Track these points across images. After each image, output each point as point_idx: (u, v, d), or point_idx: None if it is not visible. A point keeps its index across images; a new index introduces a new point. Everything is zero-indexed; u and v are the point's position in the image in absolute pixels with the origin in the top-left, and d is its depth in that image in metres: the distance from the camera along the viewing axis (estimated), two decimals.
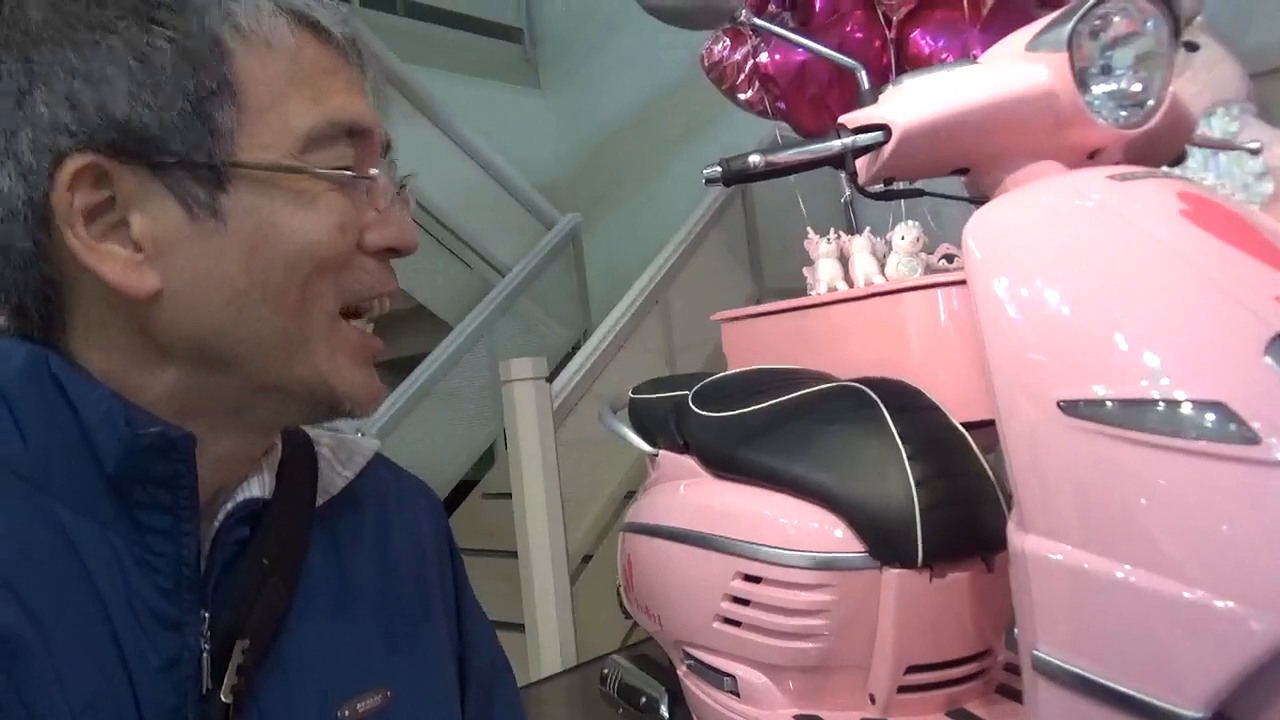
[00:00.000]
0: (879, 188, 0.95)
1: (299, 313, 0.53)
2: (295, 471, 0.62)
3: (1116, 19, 0.87)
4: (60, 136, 0.49)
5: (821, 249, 2.23)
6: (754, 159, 0.90)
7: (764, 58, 2.24)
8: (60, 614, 0.48)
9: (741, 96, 2.45)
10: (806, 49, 1.00)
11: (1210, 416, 0.66)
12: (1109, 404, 0.70)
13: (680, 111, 4.50)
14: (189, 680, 0.51)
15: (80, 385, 0.51)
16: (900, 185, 0.96)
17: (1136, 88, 0.88)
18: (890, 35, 2.14)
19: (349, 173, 0.54)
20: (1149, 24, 0.88)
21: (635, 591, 1.56)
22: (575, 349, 3.62)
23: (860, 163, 0.92)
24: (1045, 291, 0.78)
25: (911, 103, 0.88)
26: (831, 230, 2.27)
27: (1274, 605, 0.63)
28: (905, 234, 2.11)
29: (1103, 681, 0.69)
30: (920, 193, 1.00)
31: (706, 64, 2.49)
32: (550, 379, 2.97)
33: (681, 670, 1.41)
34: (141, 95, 0.49)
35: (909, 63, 2.23)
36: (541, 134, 5.57)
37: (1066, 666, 0.72)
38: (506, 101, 5.45)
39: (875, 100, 0.95)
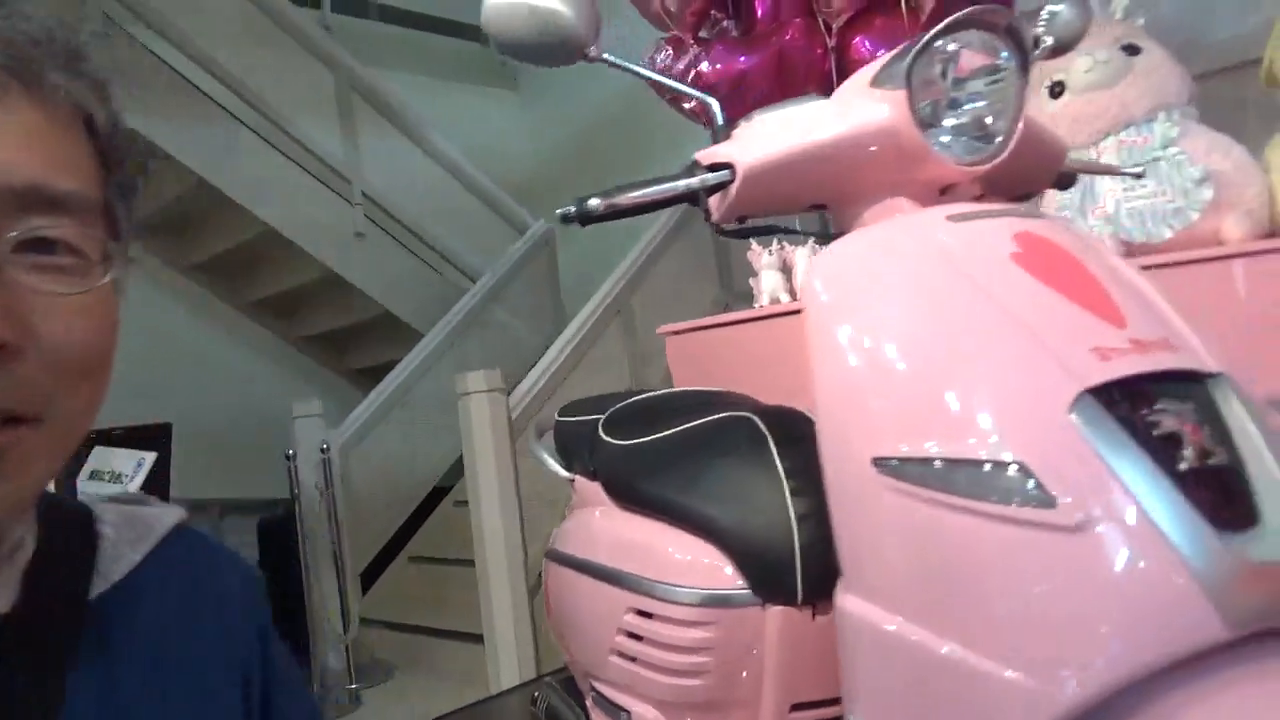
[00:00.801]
0: (733, 225, 0.92)
1: None
2: (53, 570, 0.53)
3: (964, 52, 0.84)
4: None
5: (764, 260, 2.21)
6: (593, 202, 0.88)
7: (705, 67, 2.21)
8: None
9: (686, 106, 2.42)
10: (652, 81, 0.98)
11: (1012, 478, 0.64)
12: (916, 462, 0.68)
13: (658, 115, 4.45)
14: None
15: None
16: (754, 222, 0.93)
17: (988, 120, 0.86)
18: (830, 43, 2.12)
19: None
20: (1002, 55, 0.85)
21: (553, 619, 1.54)
22: None
23: (713, 201, 0.90)
24: (866, 341, 0.76)
25: (754, 142, 0.86)
26: (774, 240, 2.25)
27: (1063, 675, 0.60)
28: None
29: None
30: (774, 230, 0.98)
31: None
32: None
33: (588, 702, 1.40)
34: None
35: (851, 69, 2.20)
36: (517, 136, 5.56)
37: None
38: (482, 104, 5.44)
39: (729, 135, 0.92)
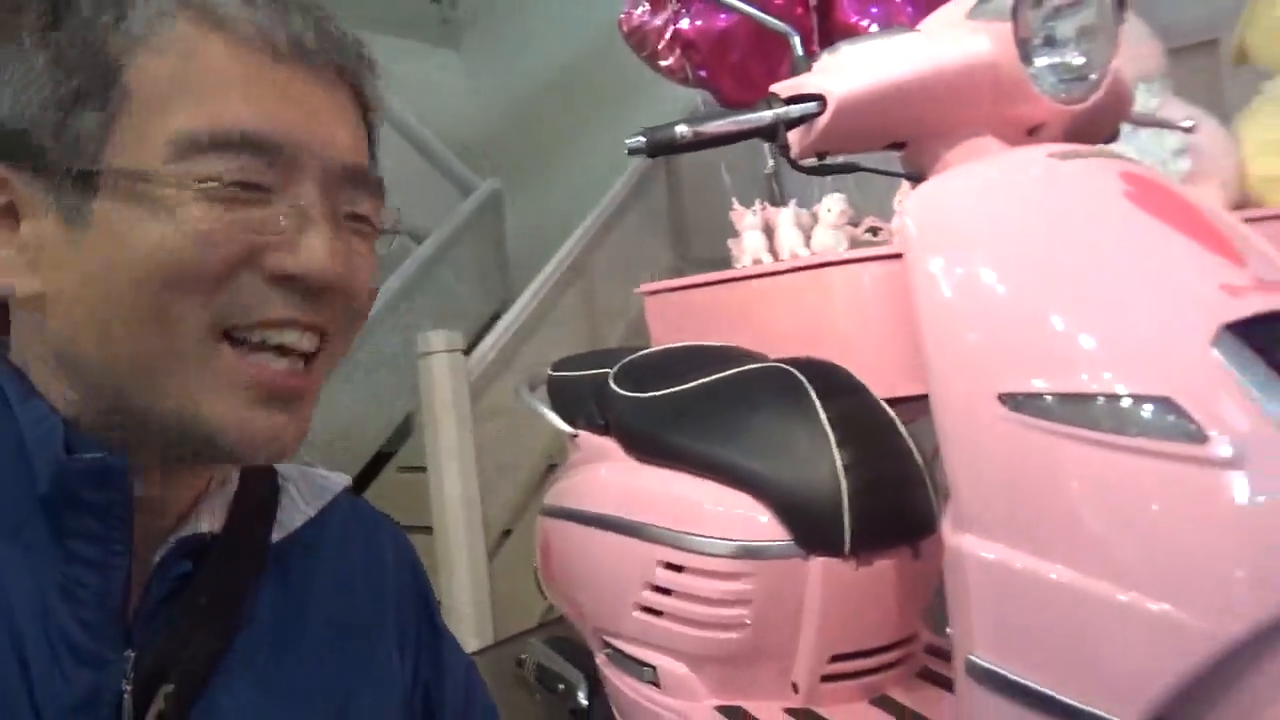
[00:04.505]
0: (812, 161, 0.89)
1: (156, 333, 0.48)
2: (251, 505, 0.59)
3: None
4: None
5: (746, 221, 2.18)
6: (680, 129, 0.84)
7: (685, 23, 2.16)
8: None
9: (662, 63, 2.38)
10: (735, 9, 0.94)
11: (1155, 412, 0.63)
12: (1049, 398, 0.67)
13: (606, 75, 4.38)
14: None
15: (21, 398, 0.50)
16: (832, 159, 0.90)
17: (1079, 61, 0.84)
18: (813, 1, 2.09)
19: (212, 183, 0.48)
20: None
21: (554, 577, 1.50)
22: (495, 319, 3.52)
23: (793, 134, 0.87)
24: (984, 276, 0.74)
25: (849, 72, 0.83)
26: (757, 202, 2.23)
27: (1215, 610, 0.60)
28: (831, 206, 2.08)
29: (1040, 689, 0.66)
30: (855, 168, 0.95)
31: (626, 29, 2.40)
32: (469, 350, 2.88)
33: (600, 659, 1.37)
34: (20, 99, 0.49)
35: (833, 29, 2.18)
36: (460, 95, 5.39)
37: (1003, 672, 0.68)
38: (424, 61, 5.25)
39: (809, 68, 0.89)
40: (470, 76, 5.47)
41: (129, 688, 0.49)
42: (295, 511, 0.61)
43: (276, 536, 0.59)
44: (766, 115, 0.84)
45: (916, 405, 0.90)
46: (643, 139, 0.87)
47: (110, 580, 0.49)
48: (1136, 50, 2.00)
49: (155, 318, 0.48)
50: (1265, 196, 1.92)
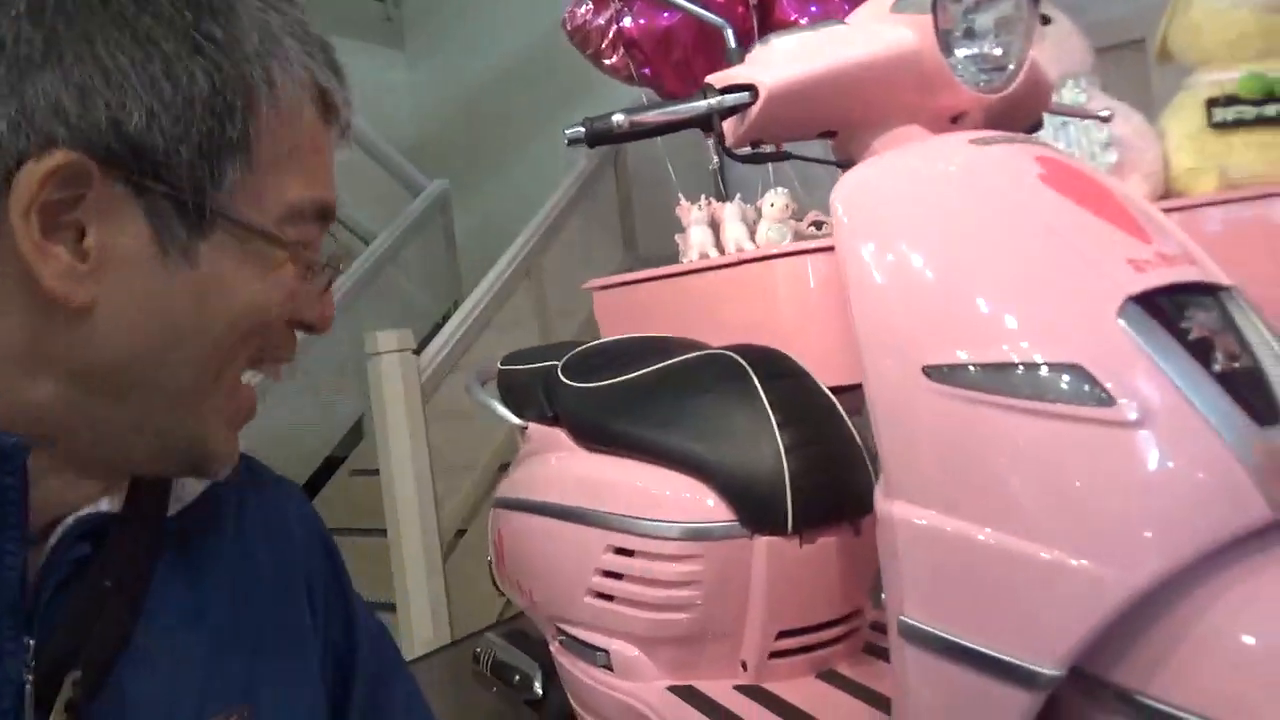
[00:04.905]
0: (746, 150, 0.92)
1: (219, 365, 0.52)
2: (145, 484, 0.58)
3: None
4: (55, 124, 0.46)
5: (692, 215, 2.22)
6: (618, 118, 0.86)
7: (628, 22, 2.19)
8: None
9: (606, 62, 2.40)
10: (674, 6, 0.97)
11: (1067, 379, 0.67)
12: (971, 368, 0.70)
13: (552, 74, 4.40)
14: (9, 715, 0.47)
15: None
16: (768, 149, 0.94)
17: (997, 52, 0.88)
18: (753, 0, 2.13)
19: (309, 253, 0.54)
20: None
21: (506, 567, 1.52)
22: (446, 319, 3.51)
23: (727, 124, 0.90)
24: (909, 257, 0.77)
25: (779, 63, 0.86)
26: (702, 197, 2.26)
27: (1124, 561, 0.64)
28: (775, 201, 2.12)
29: (966, 644, 0.70)
30: (787, 155, 0.99)
31: (569, 28, 2.42)
32: (419, 350, 2.87)
33: (554, 646, 1.39)
34: (161, 117, 0.47)
35: (774, 28, 2.22)
36: (405, 96, 5.37)
37: (932, 631, 0.72)
38: (368, 62, 5.21)
39: (743, 60, 0.92)
40: (415, 75, 5.45)
41: (30, 677, 0.47)
42: (189, 483, 0.60)
43: (173, 510, 0.58)
44: (701, 105, 0.87)
45: (861, 394, 0.93)
46: (581, 129, 0.90)
47: (5, 567, 0.47)
48: (1064, 48, 2.07)
49: (228, 354, 0.52)
50: (1188, 187, 2.00)
